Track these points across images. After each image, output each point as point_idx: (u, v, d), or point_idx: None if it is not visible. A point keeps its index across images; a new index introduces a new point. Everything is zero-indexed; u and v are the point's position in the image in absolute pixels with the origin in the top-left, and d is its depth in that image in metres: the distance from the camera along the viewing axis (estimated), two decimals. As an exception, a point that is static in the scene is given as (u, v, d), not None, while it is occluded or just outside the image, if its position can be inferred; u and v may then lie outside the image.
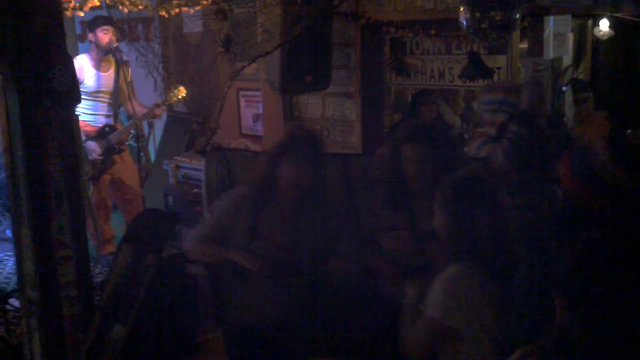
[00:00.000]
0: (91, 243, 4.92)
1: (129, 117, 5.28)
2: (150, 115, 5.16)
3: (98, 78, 5.01)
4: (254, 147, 5.40)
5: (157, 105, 5.12)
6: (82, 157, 4.85)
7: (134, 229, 2.69)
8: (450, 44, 4.53)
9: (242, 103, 5.53)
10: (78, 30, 6.46)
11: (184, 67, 5.85)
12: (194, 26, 5.71)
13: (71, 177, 2.63)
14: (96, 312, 2.53)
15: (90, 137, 4.94)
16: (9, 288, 4.57)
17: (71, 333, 2.60)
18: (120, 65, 5.09)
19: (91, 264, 4.37)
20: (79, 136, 3.53)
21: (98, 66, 5.03)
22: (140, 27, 6.14)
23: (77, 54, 5.27)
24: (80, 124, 4.94)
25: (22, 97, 2.44)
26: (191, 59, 5.82)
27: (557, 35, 4.43)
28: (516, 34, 4.16)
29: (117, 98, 5.10)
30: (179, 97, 5.06)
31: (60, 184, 2.58)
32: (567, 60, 4.71)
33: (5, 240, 5.87)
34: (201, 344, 4.05)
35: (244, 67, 4.37)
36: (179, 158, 5.32)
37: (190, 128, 5.59)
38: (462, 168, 2.91)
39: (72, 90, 2.59)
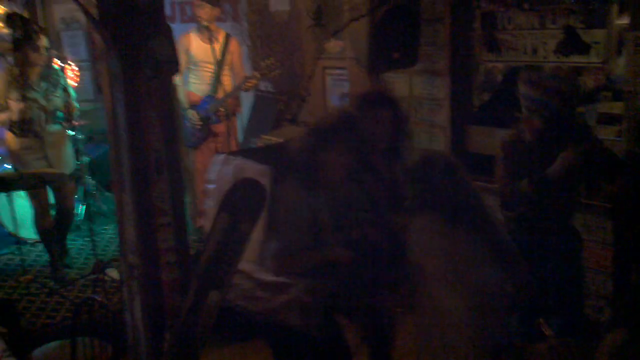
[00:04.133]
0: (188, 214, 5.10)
1: (233, 88, 5.37)
2: (243, 88, 5.24)
3: (201, 49, 5.18)
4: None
5: (250, 78, 5.20)
6: (180, 127, 5.06)
7: (229, 198, 2.72)
8: (544, 18, 4.37)
9: (328, 82, 5.53)
10: (167, 11, 6.61)
11: (271, 46, 5.90)
12: (281, 4, 5.74)
13: (171, 146, 2.69)
14: (193, 278, 2.58)
15: (191, 106, 5.15)
16: (106, 260, 4.77)
17: (170, 298, 2.68)
18: (226, 37, 5.25)
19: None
20: (177, 106, 3.64)
21: (202, 38, 5.20)
22: (227, 6, 6.22)
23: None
24: (188, 93, 5.19)
25: (124, 66, 2.51)
26: (278, 38, 5.85)
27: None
28: (615, 6, 3.99)
29: (221, 69, 5.23)
30: (272, 69, 5.09)
31: (160, 153, 2.64)
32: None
33: (100, 214, 6.10)
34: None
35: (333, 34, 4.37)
36: (265, 136, 5.37)
37: (278, 107, 5.63)
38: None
39: (171, 60, 2.64)
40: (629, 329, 1.95)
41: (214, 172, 3.40)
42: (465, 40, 4.73)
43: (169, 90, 2.75)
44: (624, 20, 4.04)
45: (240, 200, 2.68)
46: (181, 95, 5.11)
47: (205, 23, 5.13)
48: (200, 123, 5.18)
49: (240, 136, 5.93)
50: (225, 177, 3.33)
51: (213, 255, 2.61)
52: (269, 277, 2.94)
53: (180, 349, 2.51)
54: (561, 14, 4.23)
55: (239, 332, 3.89)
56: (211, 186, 3.46)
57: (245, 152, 3.79)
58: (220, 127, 5.25)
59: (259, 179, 2.87)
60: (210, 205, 3.45)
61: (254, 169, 3.04)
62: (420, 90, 4.87)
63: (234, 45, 5.34)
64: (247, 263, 2.95)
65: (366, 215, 3.11)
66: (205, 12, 5.11)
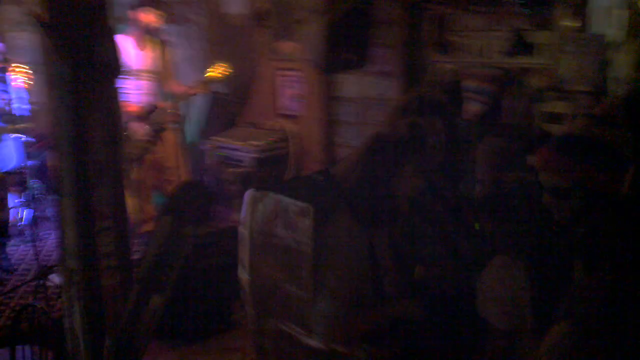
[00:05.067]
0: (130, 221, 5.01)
1: (172, 96, 5.30)
2: (190, 93, 5.14)
3: (138, 57, 5.04)
4: (290, 127, 5.38)
5: (197, 83, 5.12)
6: (122, 131, 4.90)
7: (174, 201, 2.69)
8: (490, 20, 4.45)
9: (280, 83, 5.51)
10: (118, 12, 6.51)
11: (225, 48, 5.85)
12: (236, 7, 5.70)
13: (112, 150, 2.65)
14: (135, 283, 2.54)
15: (133, 118, 4.97)
16: (49, 265, 4.68)
17: (111, 303, 2.63)
18: (162, 45, 5.13)
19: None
20: (120, 110, 3.52)
21: (137, 45, 5.06)
22: (182, 9, 6.15)
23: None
24: (124, 104, 5.04)
25: (68, 68, 2.47)
26: (233, 40, 5.81)
27: (604, 9, 4.30)
28: (561, 9, 4.07)
29: (160, 77, 5.12)
30: (220, 73, 5.00)
31: (102, 156, 2.60)
32: (620, 36, 4.55)
33: (46, 218, 5.99)
34: (236, 321, 4.07)
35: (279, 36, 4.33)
36: (216, 138, 5.33)
37: (230, 108, 5.60)
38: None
39: (114, 62, 2.61)
40: (572, 321, 1.98)
41: (243, 212, 2.90)
42: (415, 42, 4.77)
43: (113, 94, 2.71)
44: (569, 22, 4.13)
45: (184, 203, 2.66)
46: None
47: (146, 27, 5.00)
48: (148, 136, 5.01)
49: (188, 138, 5.85)
50: (260, 218, 2.83)
51: (155, 259, 2.58)
52: (319, 344, 2.44)
53: (121, 354, 2.47)
54: (508, 16, 4.30)
55: (187, 335, 3.84)
56: (242, 228, 2.96)
57: (277, 186, 3.24)
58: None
59: (300, 219, 2.46)
60: (242, 253, 2.95)
61: (293, 207, 2.51)
62: (371, 91, 4.90)
63: (167, 51, 5.23)
64: (290, 324, 2.53)
65: (441, 252, 2.56)
66: (152, 17, 5.01)
